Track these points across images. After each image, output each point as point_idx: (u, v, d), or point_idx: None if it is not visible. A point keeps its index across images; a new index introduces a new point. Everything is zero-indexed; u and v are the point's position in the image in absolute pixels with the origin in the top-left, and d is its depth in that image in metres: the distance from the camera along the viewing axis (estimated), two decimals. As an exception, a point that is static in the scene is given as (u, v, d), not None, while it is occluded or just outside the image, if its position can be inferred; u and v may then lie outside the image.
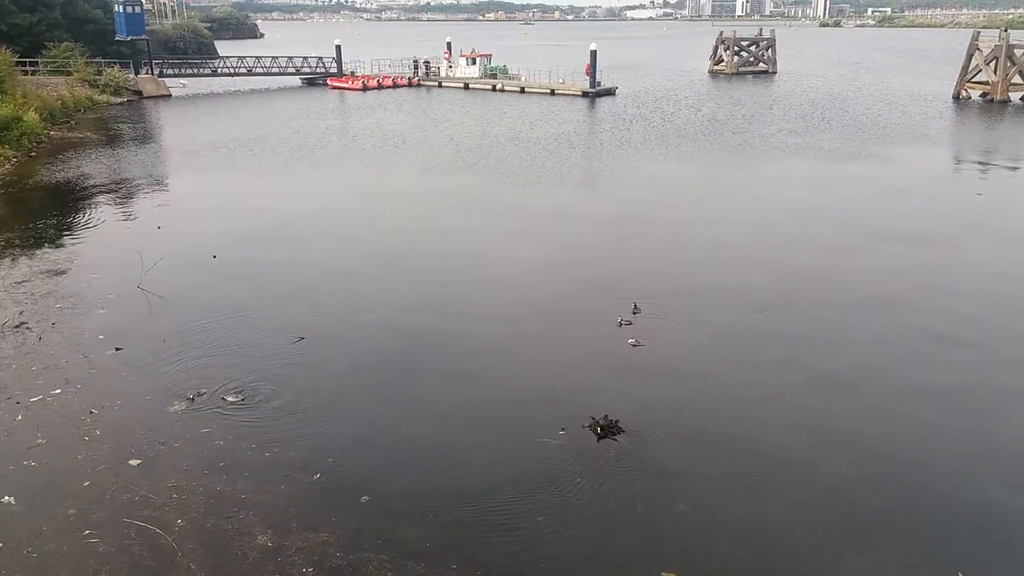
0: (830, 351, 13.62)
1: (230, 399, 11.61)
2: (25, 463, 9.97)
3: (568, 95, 56.77)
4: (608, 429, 10.72)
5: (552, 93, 57.64)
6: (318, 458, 10.11)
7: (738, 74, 73.83)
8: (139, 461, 10.03)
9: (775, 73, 74.27)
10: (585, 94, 56.24)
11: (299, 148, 34.99)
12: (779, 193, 26.27)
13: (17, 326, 14.36)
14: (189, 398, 11.58)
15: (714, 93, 59.38)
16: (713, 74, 74.84)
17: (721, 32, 79.69)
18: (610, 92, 57.42)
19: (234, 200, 25.80)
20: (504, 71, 64.88)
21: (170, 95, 57.23)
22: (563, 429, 10.80)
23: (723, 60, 75.78)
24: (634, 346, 13.63)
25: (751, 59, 76.87)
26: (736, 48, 75.96)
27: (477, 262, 18.52)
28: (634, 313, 14.91)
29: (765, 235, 20.80)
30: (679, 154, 33.55)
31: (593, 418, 10.91)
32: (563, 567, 8.14)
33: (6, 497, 9.25)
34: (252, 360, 12.95)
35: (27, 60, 50.41)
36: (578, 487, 9.56)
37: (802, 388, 12.26)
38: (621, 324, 14.48)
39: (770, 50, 76.53)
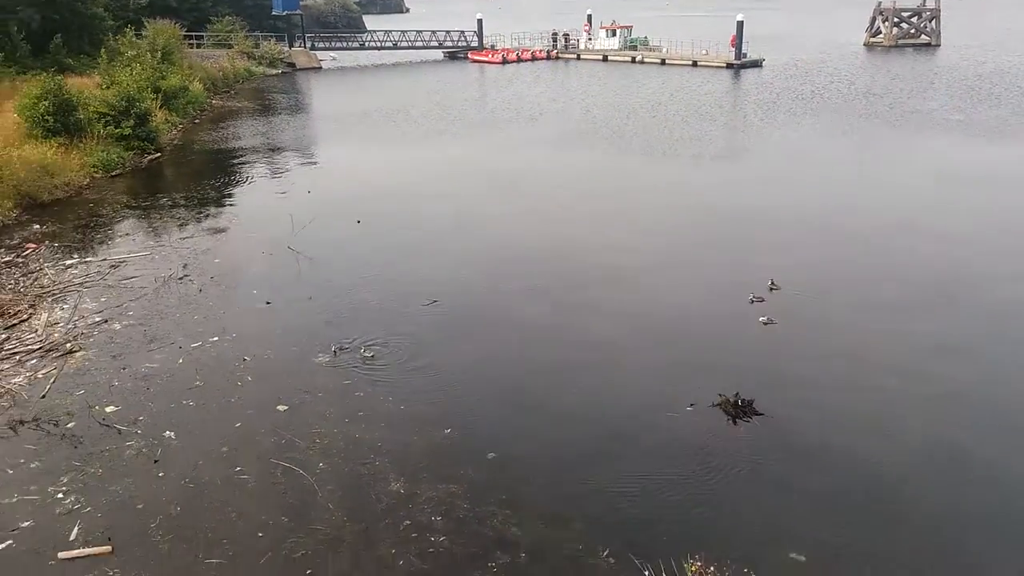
0: (983, 361, 12.48)
1: (369, 354, 12.15)
2: (184, 403, 10.85)
3: (711, 67, 55.05)
4: (741, 409, 10.46)
5: (694, 65, 56.07)
6: (449, 414, 10.44)
7: (897, 47, 69.05)
8: (286, 407, 10.69)
9: (938, 46, 68.87)
10: (730, 66, 54.38)
11: (439, 120, 35.78)
12: (937, 174, 24.47)
13: (180, 278, 15.56)
14: (332, 351, 12.22)
15: (869, 66, 55.85)
16: (869, 47, 70.36)
17: (879, 2, 74.74)
18: (756, 64, 55.21)
19: (377, 167, 26.71)
20: (644, 43, 63.62)
21: (320, 67, 59.84)
22: (692, 404, 10.64)
23: (880, 32, 71.10)
24: (765, 324, 13.22)
25: (912, 31, 71.67)
26: (895, 19, 71.06)
27: (607, 233, 18.41)
28: (771, 290, 14.44)
29: (919, 222, 19.44)
30: (829, 129, 31.85)
31: (723, 396, 10.69)
32: (686, 541, 8.04)
33: (168, 432, 10.12)
34: (390, 319, 13.47)
35: (193, 34, 54.01)
36: (706, 464, 9.41)
37: (948, 394, 11.34)
38: (753, 302, 14.07)
39: (934, 21, 71.03)
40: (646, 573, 6.79)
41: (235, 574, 7.63)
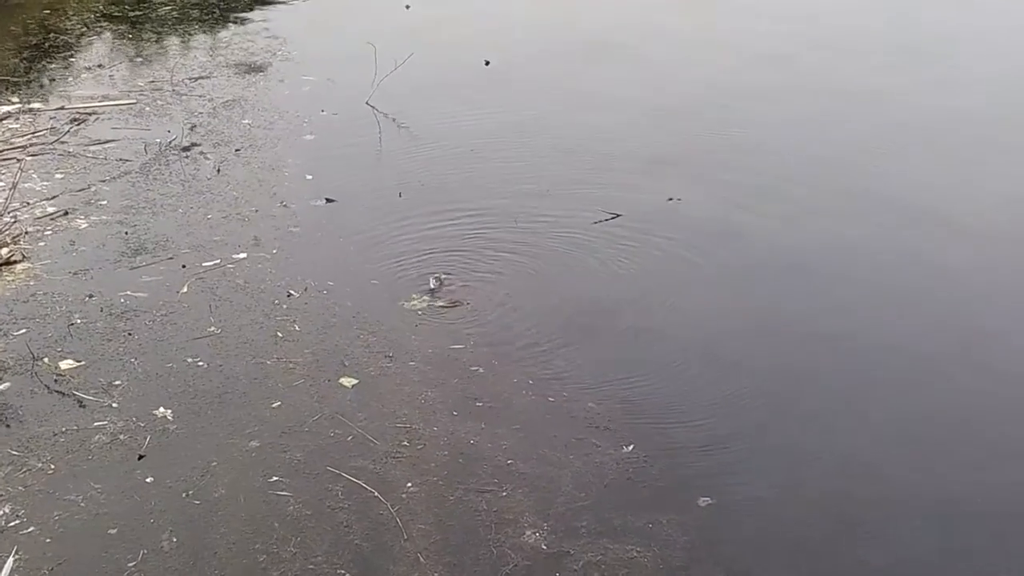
0: None
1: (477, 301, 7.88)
2: (187, 361, 6.91)
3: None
4: None
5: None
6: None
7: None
8: (355, 381, 6.71)
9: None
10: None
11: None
12: None
13: (187, 148, 10.88)
14: (431, 286, 7.93)
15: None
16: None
17: None
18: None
19: None
20: None
21: None
22: None
23: None
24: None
25: None
26: None
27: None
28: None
29: None
30: None
31: None
32: None
33: (160, 409, 6.15)
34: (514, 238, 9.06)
35: None
36: None
37: None
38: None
39: None
40: None
41: None
